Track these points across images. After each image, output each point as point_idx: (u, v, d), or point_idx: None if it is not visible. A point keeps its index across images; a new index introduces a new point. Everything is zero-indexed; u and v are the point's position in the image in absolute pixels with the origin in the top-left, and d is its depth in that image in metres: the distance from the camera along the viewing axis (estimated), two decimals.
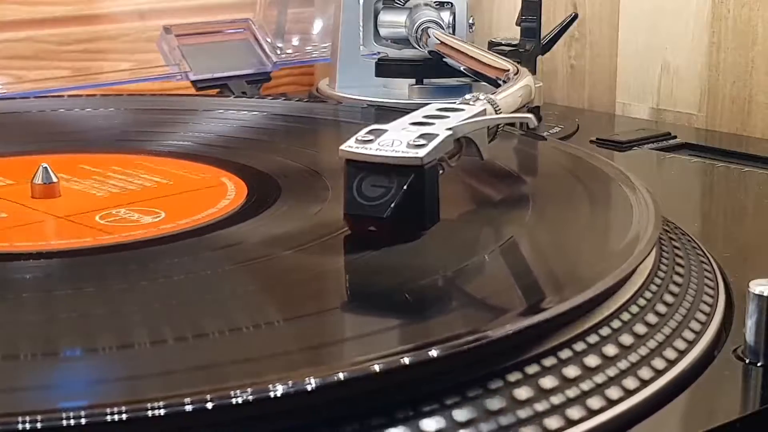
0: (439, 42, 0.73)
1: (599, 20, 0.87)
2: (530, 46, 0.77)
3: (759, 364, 0.37)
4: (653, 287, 0.41)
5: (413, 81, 0.78)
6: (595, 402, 0.34)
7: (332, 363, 0.34)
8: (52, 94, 0.81)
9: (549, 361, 0.34)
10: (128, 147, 0.62)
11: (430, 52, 0.75)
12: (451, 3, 0.79)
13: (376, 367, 0.31)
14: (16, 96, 0.81)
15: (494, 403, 0.32)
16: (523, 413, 0.32)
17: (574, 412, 0.33)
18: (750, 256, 0.50)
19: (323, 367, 0.32)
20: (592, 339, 0.36)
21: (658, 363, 0.37)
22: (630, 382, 0.35)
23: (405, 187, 0.42)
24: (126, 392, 0.31)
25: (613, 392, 0.34)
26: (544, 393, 0.33)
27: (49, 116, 0.72)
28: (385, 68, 0.79)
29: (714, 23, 0.79)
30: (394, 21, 0.79)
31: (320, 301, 0.39)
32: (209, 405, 0.29)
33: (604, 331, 0.37)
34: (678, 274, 0.43)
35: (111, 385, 0.32)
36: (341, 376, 0.30)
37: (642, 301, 0.40)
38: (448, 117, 0.47)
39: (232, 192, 0.52)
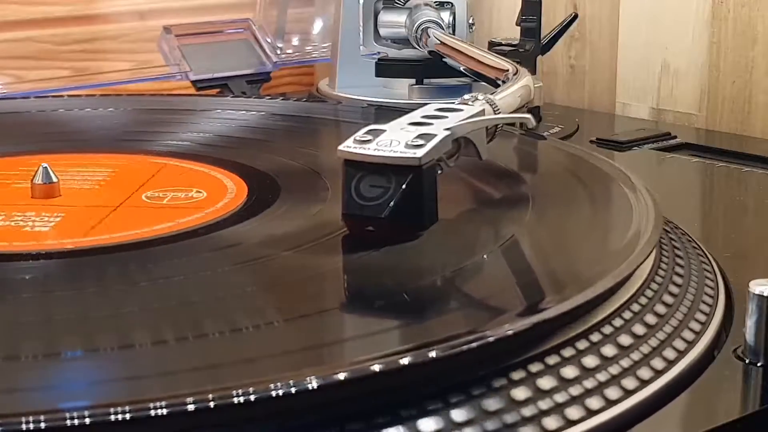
0: (439, 42, 0.73)
1: (599, 20, 0.87)
2: (530, 46, 0.77)
3: (759, 364, 0.37)
4: (653, 287, 0.41)
5: (413, 81, 0.78)
6: (595, 402, 0.34)
7: (332, 363, 0.34)
8: (52, 94, 0.81)
9: (549, 361, 0.34)
10: (128, 147, 0.61)
11: (430, 52, 0.75)
12: (451, 3, 0.79)
13: (376, 367, 0.31)
14: (16, 96, 0.81)
15: (494, 403, 0.32)
16: (525, 412, 0.32)
17: (574, 412, 0.33)
18: (750, 256, 0.50)
19: (323, 367, 0.32)
20: (593, 339, 0.36)
21: (659, 363, 0.37)
22: (630, 382, 0.35)
23: (403, 187, 0.42)
24: (127, 392, 0.31)
25: (613, 392, 0.34)
26: (545, 393, 0.33)
27: (49, 116, 0.72)
28: (385, 68, 0.79)
29: (714, 23, 0.79)
30: (394, 21, 0.79)
31: (320, 301, 0.39)
32: (210, 405, 0.29)
33: (604, 331, 0.37)
34: (678, 273, 0.43)
35: (112, 386, 0.32)
36: (341, 376, 0.30)
37: (642, 301, 0.40)
38: (446, 117, 0.46)
39: (231, 192, 0.52)
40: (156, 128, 0.67)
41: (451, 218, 0.46)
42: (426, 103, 0.49)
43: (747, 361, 0.38)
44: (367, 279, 0.41)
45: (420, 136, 0.43)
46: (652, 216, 0.45)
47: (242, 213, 0.49)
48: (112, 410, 0.28)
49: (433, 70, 0.77)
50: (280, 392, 0.29)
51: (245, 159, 0.57)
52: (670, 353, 0.37)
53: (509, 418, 0.32)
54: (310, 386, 0.30)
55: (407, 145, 0.43)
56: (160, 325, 0.36)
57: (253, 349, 0.34)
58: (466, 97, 0.50)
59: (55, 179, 0.51)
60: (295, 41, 0.94)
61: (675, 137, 0.74)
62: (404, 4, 0.79)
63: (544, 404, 0.33)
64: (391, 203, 0.42)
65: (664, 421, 0.34)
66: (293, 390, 0.30)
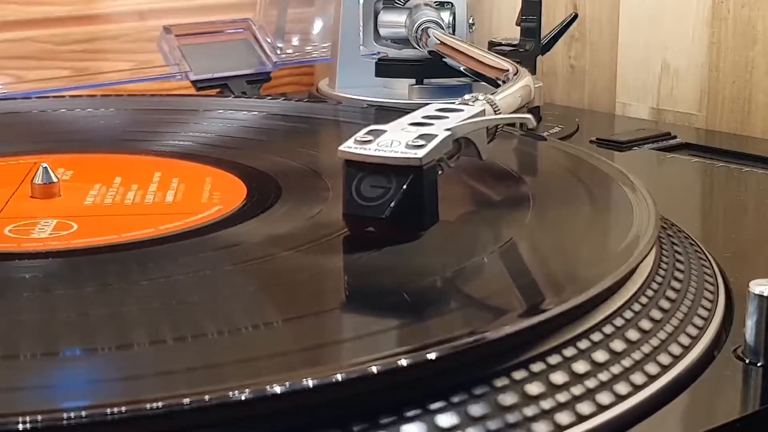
0: (439, 42, 0.73)
1: (599, 20, 0.87)
2: (530, 46, 0.77)
3: (759, 364, 0.37)
4: (653, 287, 0.41)
5: (413, 81, 0.78)
6: (594, 402, 0.34)
7: (331, 364, 0.33)
8: (53, 94, 0.81)
9: (542, 366, 0.34)
10: (128, 147, 0.62)
11: (430, 52, 0.75)
12: (451, 3, 0.79)
13: (375, 368, 0.31)
14: (16, 96, 0.81)
15: (502, 401, 0.32)
16: (527, 411, 0.32)
17: (573, 413, 0.33)
18: (750, 256, 0.50)
19: (322, 368, 0.32)
20: (592, 340, 0.36)
21: (659, 363, 0.37)
22: (630, 382, 0.35)
23: (404, 187, 0.42)
24: (125, 392, 0.31)
25: (613, 392, 0.34)
26: (548, 392, 0.33)
27: (49, 116, 0.72)
28: (385, 68, 0.79)
29: (714, 23, 0.79)
30: (394, 21, 0.79)
31: (319, 301, 0.39)
32: (208, 405, 0.29)
33: (603, 332, 0.37)
34: (679, 270, 0.43)
35: (110, 385, 0.32)
36: (340, 376, 0.30)
37: (642, 301, 0.40)
38: (447, 117, 0.46)
39: (232, 192, 0.52)
40: (156, 128, 0.67)
41: (452, 219, 0.46)
42: (426, 103, 0.49)
43: (747, 361, 0.38)
44: (368, 279, 0.41)
45: (420, 137, 0.43)
46: (652, 216, 0.45)
47: (242, 213, 0.49)
48: (109, 410, 0.28)
49: (433, 70, 0.77)
50: (279, 392, 0.29)
51: (245, 159, 0.57)
52: (670, 353, 0.37)
53: (512, 418, 0.32)
54: (308, 387, 0.30)
55: (408, 146, 0.43)
56: (159, 324, 0.36)
57: (252, 350, 0.34)
58: (467, 97, 0.50)
59: (54, 179, 0.51)
60: (295, 41, 0.94)
61: (675, 137, 0.74)
62: (404, 4, 0.79)
63: (547, 404, 0.33)
64: (392, 204, 0.42)
65: (664, 421, 0.34)
66: (291, 390, 0.30)
